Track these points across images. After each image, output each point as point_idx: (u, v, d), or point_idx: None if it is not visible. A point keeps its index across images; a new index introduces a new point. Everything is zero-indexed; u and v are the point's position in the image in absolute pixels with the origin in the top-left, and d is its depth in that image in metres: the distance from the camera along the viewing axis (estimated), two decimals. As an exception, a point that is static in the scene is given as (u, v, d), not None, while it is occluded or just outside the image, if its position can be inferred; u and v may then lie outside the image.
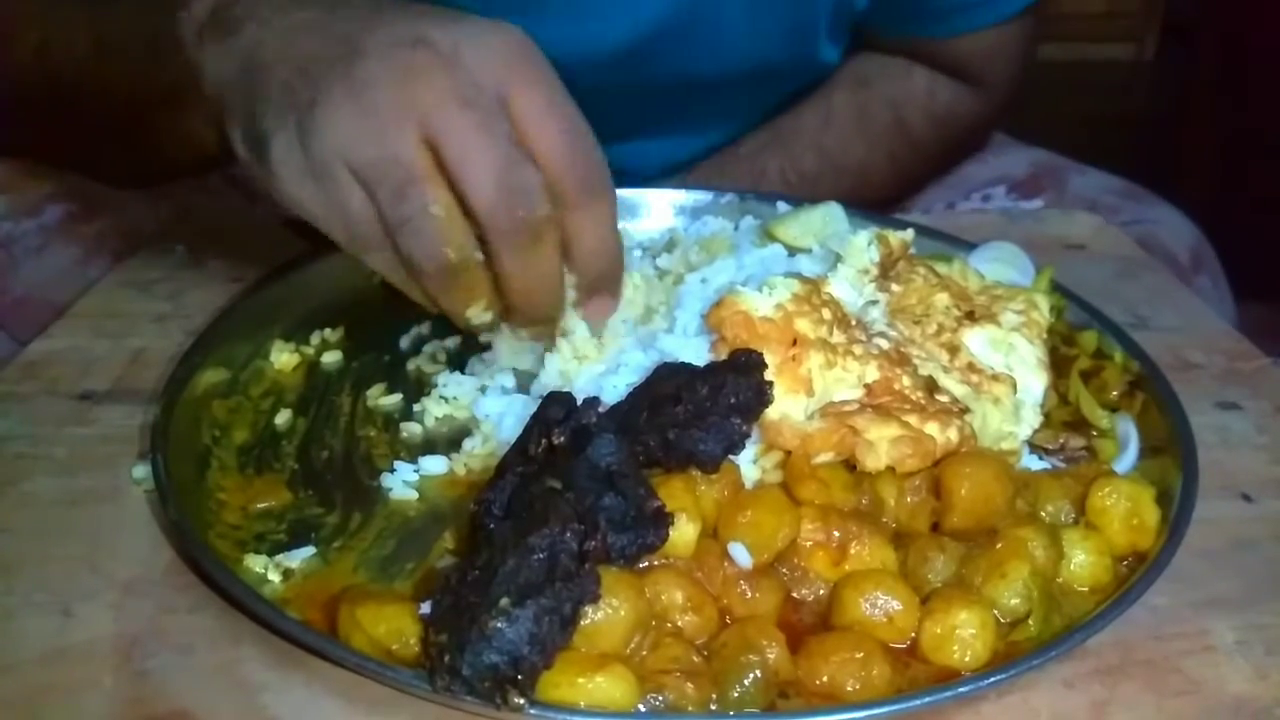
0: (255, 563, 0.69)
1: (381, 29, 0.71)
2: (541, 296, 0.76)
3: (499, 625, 0.53)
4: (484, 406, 0.83)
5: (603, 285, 0.81)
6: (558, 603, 0.55)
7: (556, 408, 0.66)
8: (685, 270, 0.91)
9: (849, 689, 0.59)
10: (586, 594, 0.56)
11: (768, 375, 0.69)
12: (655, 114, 1.21)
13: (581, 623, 0.57)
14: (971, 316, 0.82)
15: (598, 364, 0.82)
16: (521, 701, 0.53)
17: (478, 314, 0.77)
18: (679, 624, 0.61)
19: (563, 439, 0.64)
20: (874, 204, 1.24)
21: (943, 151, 1.31)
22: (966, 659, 0.62)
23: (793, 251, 0.92)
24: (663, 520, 0.61)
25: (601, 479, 0.61)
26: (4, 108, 1.06)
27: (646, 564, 0.63)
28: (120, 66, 0.90)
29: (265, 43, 0.73)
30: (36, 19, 0.99)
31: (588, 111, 0.75)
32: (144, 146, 0.96)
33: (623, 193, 1.08)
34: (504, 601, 0.54)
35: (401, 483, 0.77)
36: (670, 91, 1.17)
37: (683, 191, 1.11)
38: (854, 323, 0.78)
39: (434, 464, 0.79)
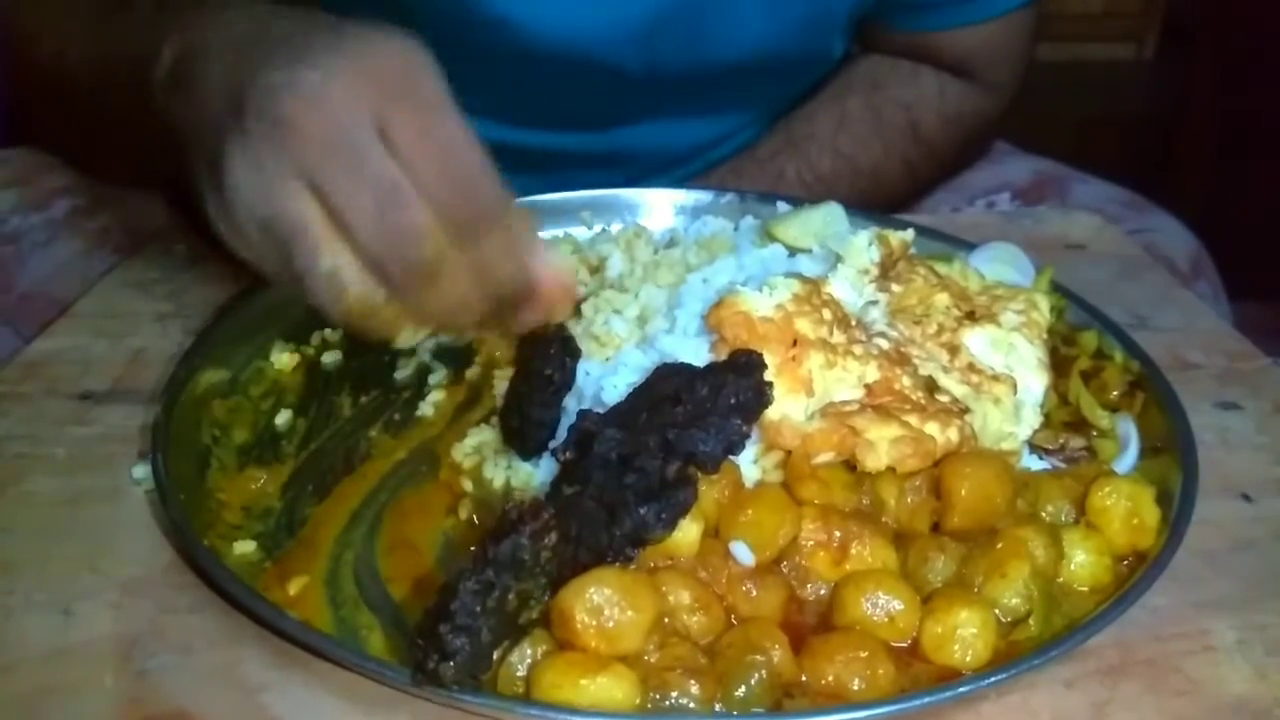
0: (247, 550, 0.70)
1: (261, 75, 0.68)
2: (456, 318, 0.72)
3: (444, 629, 0.55)
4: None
5: (524, 301, 0.74)
6: (508, 601, 0.57)
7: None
8: (685, 270, 0.91)
9: (854, 688, 0.60)
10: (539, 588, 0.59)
11: (767, 375, 0.69)
12: (668, 99, 1.21)
13: (605, 624, 0.58)
14: (972, 317, 0.82)
15: (598, 364, 0.82)
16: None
17: (406, 340, 0.74)
18: (686, 624, 0.61)
19: (569, 453, 0.65)
20: (885, 206, 1.25)
21: (953, 152, 1.32)
22: (967, 658, 0.62)
23: (793, 252, 0.92)
24: (687, 480, 0.62)
25: (615, 466, 0.62)
26: (33, 101, 1.08)
27: (654, 565, 0.63)
28: (123, 89, 0.91)
29: (196, 99, 0.73)
30: (51, 28, 1.00)
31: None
32: (158, 157, 0.97)
33: (624, 192, 1.09)
34: (454, 605, 0.55)
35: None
36: (684, 77, 1.18)
37: (683, 191, 1.11)
38: (854, 323, 0.78)
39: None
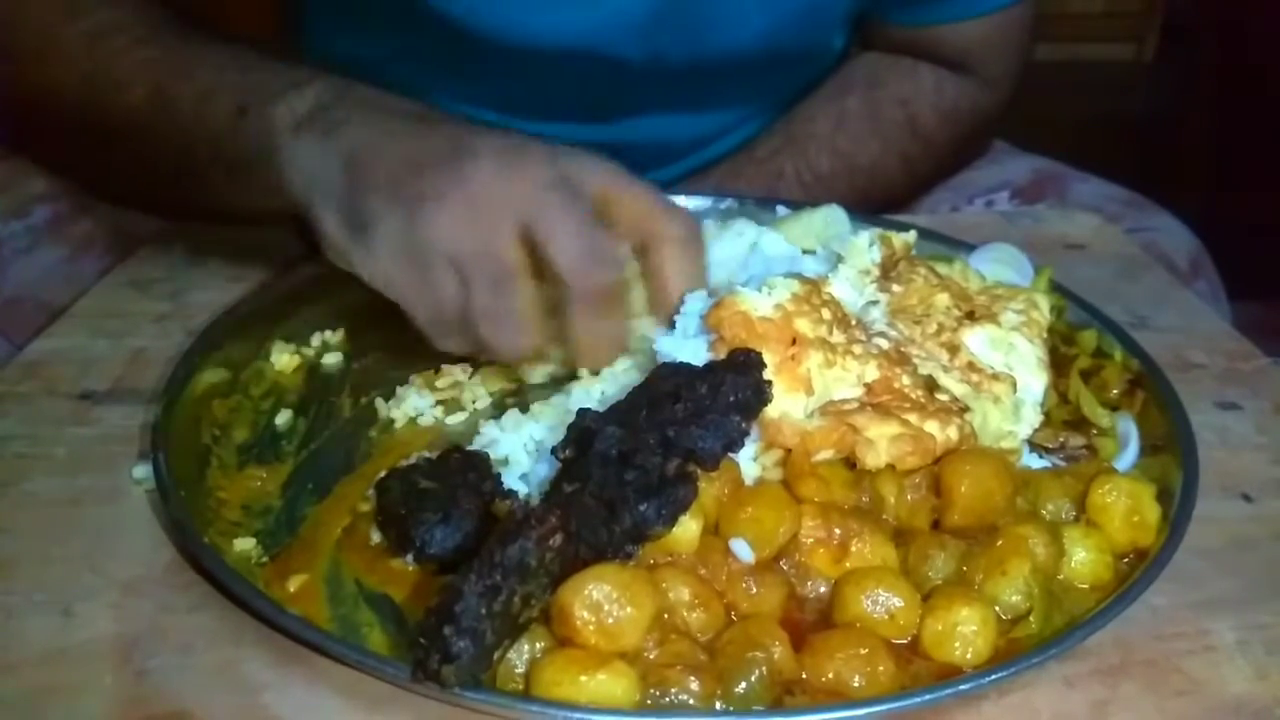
0: (248, 548, 0.70)
1: (487, 136, 0.79)
2: (607, 353, 0.82)
3: (448, 631, 0.54)
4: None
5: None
6: (513, 603, 0.56)
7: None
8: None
9: (855, 685, 0.60)
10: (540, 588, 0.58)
11: (766, 374, 0.69)
12: (670, 91, 1.22)
13: (604, 621, 0.57)
14: (971, 316, 0.82)
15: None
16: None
17: (539, 373, 0.87)
18: (686, 620, 0.61)
19: (569, 451, 0.65)
20: (883, 202, 1.25)
21: (952, 148, 1.32)
22: (968, 656, 0.62)
23: (795, 253, 0.92)
24: (687, 477, 0.62)
25: (615, 463, 0.62)
26: (35, 120, 1.07)
27: (654, 562, 0.63)
28: (184, 120, 0.90)
29: (368, 142, 0.80)
30: (82, 46, 0.96)
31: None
32: (187, 192, 0.98)
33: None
34: (459, 608, 0.55)
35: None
36: (685, 70, 1.18)
37: (681, 197, 1.10)
38: (854, 322, 0.78)
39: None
